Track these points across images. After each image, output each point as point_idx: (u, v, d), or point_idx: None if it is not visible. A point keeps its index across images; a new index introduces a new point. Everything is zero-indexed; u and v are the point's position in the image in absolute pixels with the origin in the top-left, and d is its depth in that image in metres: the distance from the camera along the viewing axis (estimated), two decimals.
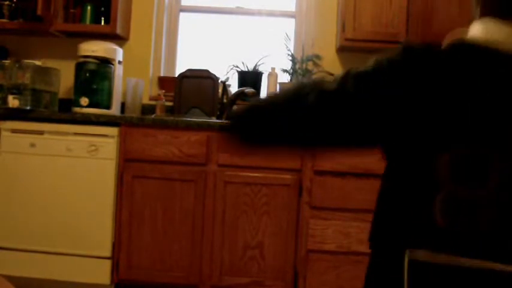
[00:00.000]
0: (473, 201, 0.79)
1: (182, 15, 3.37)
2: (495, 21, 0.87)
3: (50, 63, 3.03)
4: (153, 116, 2.83)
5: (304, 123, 0.91)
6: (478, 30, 0.89)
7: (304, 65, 3.13)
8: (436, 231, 0.81)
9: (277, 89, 3.16)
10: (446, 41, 0.91)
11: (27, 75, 2.66)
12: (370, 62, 0.89)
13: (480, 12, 0.90)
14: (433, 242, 0.81)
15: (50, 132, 2.57)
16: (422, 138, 0.83)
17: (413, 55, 0.85)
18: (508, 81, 0.82)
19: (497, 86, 0.81)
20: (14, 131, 2.59)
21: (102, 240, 2.53)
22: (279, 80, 3.20)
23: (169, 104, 3.06)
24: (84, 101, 2.75)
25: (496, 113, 0.80)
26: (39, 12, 2.85)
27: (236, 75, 3.20)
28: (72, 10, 3.07)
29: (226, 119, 1.01)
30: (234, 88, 3.19)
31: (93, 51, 2.78)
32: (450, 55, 0.85)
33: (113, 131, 2.55)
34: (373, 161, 2.46)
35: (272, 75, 3.18)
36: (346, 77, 0.89)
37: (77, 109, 2.75)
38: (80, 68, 2.80)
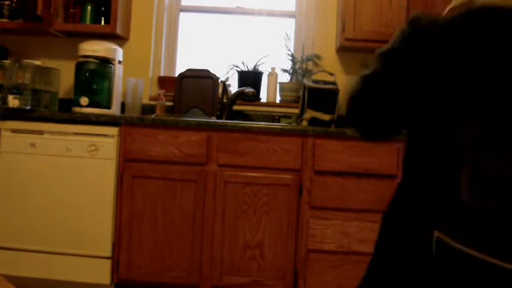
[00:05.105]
0: (497, 177, 0.77)
1: (182, 15, 3.37)
2: None
3: (50, 63, 3.03)
4: (153, 116, 2.83)
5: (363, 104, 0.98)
6: None
7: (304, 65, 3.13)
8: (463, 212, 0.79)
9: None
10: (451, 6, 0.89)
11: (27, 75, 2.66)
12: (393, 37, 0.94)
13: None
14: (460, 224, 0.79)
15: (50, 132, 2.57)
16: (443, 108, 0.83)
17: (419, 32, 0.86)
18: None
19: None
20: (14, 131, 2.59)
21: (102, 240, 2.53)
22: (279, 80, 3.20)
23: (169, 104, 3.06)
24: (84, 100, 2.75)
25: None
26: (39, 12, 2.86)
27: (236, 75, 3.20)
28: (72, 10, 3.07)
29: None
30: (234, 88, 3.20)
31: (93, 51, 2.78)
32: (466, 19, 0.84)
33: (113, 131, 2.55)
34: (373, 161, 2.46)
35: (272, 75, 3.18)
36: (376, 59, 0.95)
37: (77, 109, 2.76)
38: (80, 68, 2.80)
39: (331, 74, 2.98)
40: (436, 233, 0.79)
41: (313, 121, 2.82)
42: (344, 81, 3.09)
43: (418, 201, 0.89)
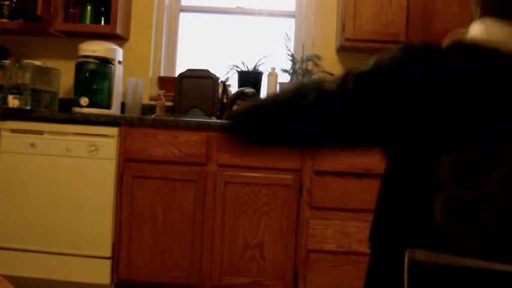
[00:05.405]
0: (475, 202, 0.78)
1: (182, 15, 3.37)
2: (495, 22, 0.86)
3: (50, 63, 3.03)
4: (153, 116, 2.83)
5: (304, 124, 0.92)
6: (477, 30, 0.89)
7: (304, 65, 3.13)
8: (437, 231, 0.81)
9: (278, 89, 3.16)
10: (446, 41, 0.90)
11: (27, 75, 2.66)
12: (370, 61, 0.89)
13: (480, 13, 0.90)
14: (433, 242, 0.80)
15: (50, 132, 2.57)
16: (423, 138, 0.82)
17: (412, 54, 0.85)
18: (508, 81, 0.81)
19: (497, 85, 0.81)
20: (14, 131, 2.59)
21: (102, 240, 2.53)
22: (279, 80, 3.19)
23: (169, 104, 3.06)
24: (84, 101, 2.75)
25: (496, 114, 0.80)
26: (39, 12, 2.85)
27: (236, 75, 3.20)
28: (72, 10, 3.07)
29: (226, 118, 1.02)
30: (234, 88, 3.19)
31: (93, 51, 2.78)
32: (450, 54, 0.85)
33: (113, 131, 2.55)
34: (373, 161, 2.46)
35: (272, 75, 3.18)
36: (346, 77, 0.89)
37: (77, 109, 2.75)
38: (80, 68, 2.80)
39: (331, 74, 2.98)
40: (408, 252, 0.80)
41: None
42: None
43: (396, 214, 0.90)
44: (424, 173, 0.83)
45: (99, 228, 2.53)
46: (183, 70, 3.01)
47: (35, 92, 2.70)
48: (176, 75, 3.05)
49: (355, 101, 0.86)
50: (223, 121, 2.54)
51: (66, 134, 2.57)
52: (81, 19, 3.05)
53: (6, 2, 3.01)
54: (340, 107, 0.88)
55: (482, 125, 0.79)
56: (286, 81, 3.20)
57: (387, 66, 0.86)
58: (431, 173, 0.81)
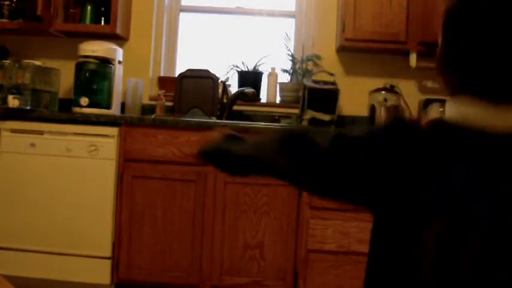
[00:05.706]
0: (461, 261, 0.80)
1: (182, 15, 3.37)
2: (472, 101, 0.86)
3: (50, 63, 3.03)
4: (153, 116, 2.83)
5: (293, 177, 1.02)
6: (454, 109, 0.88)
7: (304, 65, 3.13)
8: None
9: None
10: (427, 117, 0.92)
11: (27, 75, 2.66)
12: (364, 128, 0.94)
13: (453, 91, 0.90)
14: None
15: (50, 132, 2.57)
16: (404, 209, 0.85)
17: (402, 128, 0.89)
18: (493, 159, 0.82)
19: (477, 164, 0.82)
20: (14, 131, 2.59)
21: (102, 240, 2.53)
22: (279, 80, 3.20)
23: (169, 104, 3.06)
24: (84, 101, 2.75)
25: (478, 191, 0.81)
26: (39, 12, 2.85)
27: (236, 75, 3.20)
28: (72, 10, 3.07)
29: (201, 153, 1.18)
30: (234, 88, 3.20)
31: (93, 51, 2.78)
32: (429, 134, 0.86)
33: (113, 131, 2.55)
34: None
35: (272, 75, 3.18)
36: (339, 137, 0.93)
37: (77, 109, 2.75)
38: (80, 68, 2.80)
39: (331, 74, 2.98)
40: None
41: (313, 121, 2.82)
42: (344, 82, 3.09)
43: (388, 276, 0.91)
44: (409, 240, 0.85)
45: (99, 228, 2.53)
46: (183, 70, 3.01)
47: (35, 92, 2.70)
48: (176, 75, 3.05)
49: (347, 164, 0.90)
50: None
51: (66, 134, 2.57)
52: (81, 19, 3.05)
53: (6, 2, 3.01)
54: (330, 167, 0.93)
55: (463, 199, 0.81)
56: (286, 81, 3.20)
57: (380, 136, 0.90)
58: (417, 240, 0.83)
